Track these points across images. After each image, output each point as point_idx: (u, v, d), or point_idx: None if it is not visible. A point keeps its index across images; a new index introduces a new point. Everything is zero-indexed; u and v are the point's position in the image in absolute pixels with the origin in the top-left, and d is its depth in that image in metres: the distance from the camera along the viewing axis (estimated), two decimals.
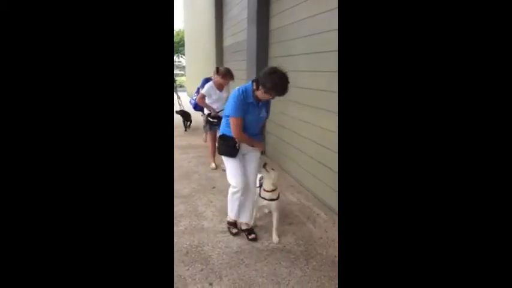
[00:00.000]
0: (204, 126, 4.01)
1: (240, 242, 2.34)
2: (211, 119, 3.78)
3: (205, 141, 5.10)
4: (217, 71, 3.71)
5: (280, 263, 2.08)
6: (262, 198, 2.37)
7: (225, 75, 3.67)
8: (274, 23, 3.96)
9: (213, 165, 4.07)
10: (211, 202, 3.02)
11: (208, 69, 7.77)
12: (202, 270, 2.00)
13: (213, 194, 3.22)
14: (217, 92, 3.75)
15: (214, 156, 4.07)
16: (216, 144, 3.61)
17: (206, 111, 3.88)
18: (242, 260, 2.12)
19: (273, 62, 4.05)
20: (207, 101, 3.78)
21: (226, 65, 6.98)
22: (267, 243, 2.32)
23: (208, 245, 2.28)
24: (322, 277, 1.94)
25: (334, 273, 1.96)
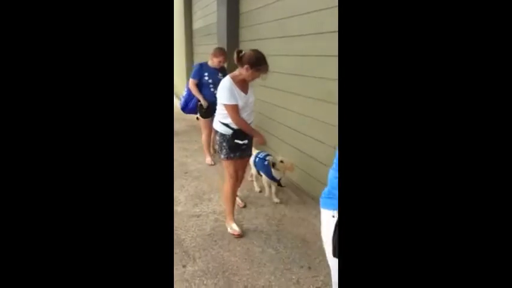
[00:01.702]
0: (221, 151, 2.14)
1: (213, 224, 2.37)
2: (240, 141, 2.10)
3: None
4: (238, 56, 1.97)
5: (253, 242, 2.14)
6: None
7: (255, 64, 1.95)
8: (245, 5, 3.90)
9: (240, 202, 2.66)
10: (184, 187, 3.01)
11: (177, 53, 7.53)
12: (176, 253, 2.01)
13: (185, 179, 3.21)
14: (242, 94, 2.02)
15: (232, 210, 2.33)
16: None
17: (222, 128, 2.08)
18: (215, 241, 2.16)
19: (244, 46, 4.01)
20: (220, 115, 2.08)
21: (197, 49, 6.79)
22: (240, 225, 2.37)
23: (181, 229, 2.29)
24: (294, 254, 2.03)
25: (304, 250, 2.06)
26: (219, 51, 3.33)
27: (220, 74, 3.32)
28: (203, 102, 3.35)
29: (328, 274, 1.85)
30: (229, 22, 4.08)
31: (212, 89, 3.30)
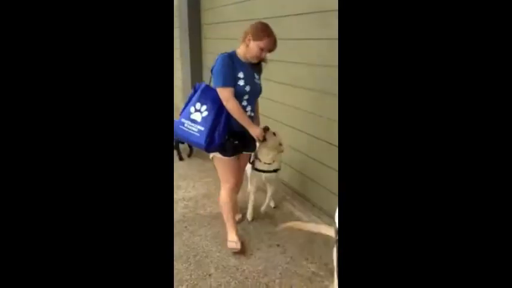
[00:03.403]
0: None
1: (183, 211, 2.37)
2: None
3: None
4: None
5: (222, 226, 2.18)
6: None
7: None
8: None
9: None
10: None
11: None
12: None
13: None
14: None
15: None
16: None
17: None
18: (186, 227, 2.17)
19: (206, 29, 3.93)
20: None
21: None
22: (209, 210, 2.40)
23: None
24: (263, 233, 2.10)
25: (272, 229, 2.13)
26: (266, 29, 1.69)
27: (257, 77, 1.81)
28: (255, 131, 1.77)
29: (296, 249, 1.94)
30: (190, 4, 3.95)
31: (245, 103, 1.77)
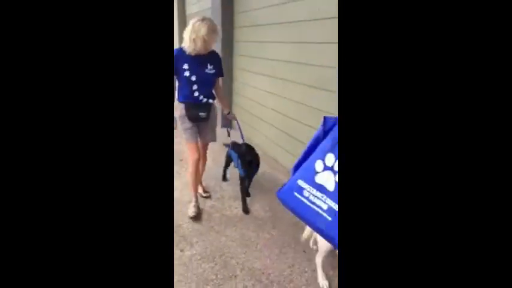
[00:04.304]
0: None
1: (210, 210, 2.40)
2: None
3: None
4: None
5: (248, 228, 2.19)
6: None
7: None
8: None
9: None
10: (179, 174, 3.03)
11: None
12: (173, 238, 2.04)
13: (180, 165, 3.22)
14: None
15: None
16: None
17: None
18: (212, 227, 2.19)
19: (239, 32, 3.97)
20: None
21: None
22: (236, 211, 2.41)
23: (178, 215, 2.31)
24: (287, 238, 2.08)
25: (298, 234, 2.11)
26: None
27: None
28: None
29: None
30: (224, 7, 4.01)
31: None
